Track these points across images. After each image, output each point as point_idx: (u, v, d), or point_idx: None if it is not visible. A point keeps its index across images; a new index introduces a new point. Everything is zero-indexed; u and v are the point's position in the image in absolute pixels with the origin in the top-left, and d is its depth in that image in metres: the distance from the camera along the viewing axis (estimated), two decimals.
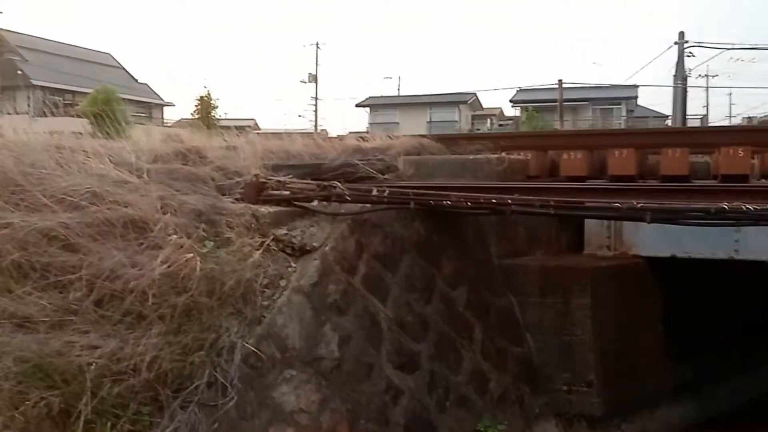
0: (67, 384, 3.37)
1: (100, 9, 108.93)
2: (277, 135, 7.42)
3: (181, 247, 4.35)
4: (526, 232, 6.72)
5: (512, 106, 51.89)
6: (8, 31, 39.29)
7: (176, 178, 5.29)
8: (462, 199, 4.98)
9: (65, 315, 3.78)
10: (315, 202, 5.46)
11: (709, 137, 7.85)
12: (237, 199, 5.34)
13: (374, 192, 5.26)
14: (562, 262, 6.52)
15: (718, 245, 6.11)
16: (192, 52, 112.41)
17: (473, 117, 53.57)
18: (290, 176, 5.75)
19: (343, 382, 4.80)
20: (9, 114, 39.49)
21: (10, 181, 4.48)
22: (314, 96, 56.16)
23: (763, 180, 6.47)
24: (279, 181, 5.54)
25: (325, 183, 5.49)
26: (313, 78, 56.28)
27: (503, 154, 6.87)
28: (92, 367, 3.48)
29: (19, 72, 41.74)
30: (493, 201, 4.88)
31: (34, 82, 43.52)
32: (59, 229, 4.15)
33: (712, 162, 6.78)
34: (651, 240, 6.43)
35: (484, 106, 54.54)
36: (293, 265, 4.96)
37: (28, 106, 43.54)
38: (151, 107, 53.07)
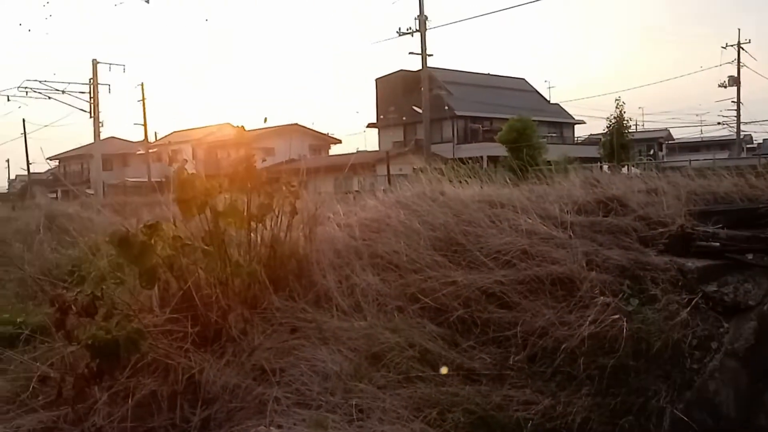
0: None
1: (514, 37, 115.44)
2: (700, 172, 7.00)
3: (608, 306, 4.42)
4: None
5: None
6: (437, 69, 44.10)
7: (598, 231, 5.38)
8: None
9: (503, 369, 4.15)
10: (750, 255, 5.04)
11: None
12: (660, 252, 5.21)
13: None
14: None
15: None
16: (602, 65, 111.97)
17: None
18: (719, 224, 5.40)
19: None
20: (437, 143, 44.34)
21: (453, 240, 5.09)
22: (735, 100, 51.32)
23: None
24: (706, 232, 5.25)
25: (762, 234, 5.03)
26: (734, 81, 51.45)
27: None
28: (529, 423, 3.76)
29: (446, 107, 46.54)
30: None
31: (458, 113, 48.13)
32: (495, 286, 4.58)
33: None
34: None
35: None
36: (725, 325, 4.65)
37: (453, 134, 48.32)
38: (562, 126, 54.43)
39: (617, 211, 5.80)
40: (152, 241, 4.27)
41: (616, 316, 4.29)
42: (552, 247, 4.98)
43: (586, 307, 4.40)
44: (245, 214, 4.87)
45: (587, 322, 4.23)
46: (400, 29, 37.51)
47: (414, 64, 42.04)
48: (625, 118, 37.54)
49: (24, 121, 59.02)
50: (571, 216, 5.61)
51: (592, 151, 43.27)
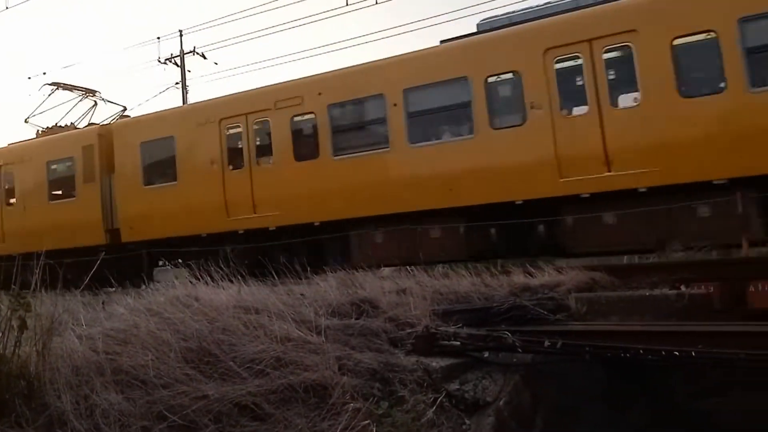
0: None
1: None
2: (444, 274, 7.55)
3: (358, 411, 4.48)
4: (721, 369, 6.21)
5: None
6: None
7: (351, 334, 5.51)
8: (641, 351, 4.76)
9: None
10: (486, 353, 5.46)
11: None
12: (408, 352, 5.46)
13: (546, 343, 5.17)
14: (763, 404, 5.93)
15: None
16: None
17: None
18: (459, 324, 5.81)
19: None
20: None
21: (205, 350, 4.89)
22: None
23: None
24: (448, 331, 5.61)
25: (495, 332, 5.48)
26: None
27: (682, 287, 6.50)
28: None
29: None
30: (675, 353, 4.63)
31: None
32: (248, 398, 4.44)
33: None
34: None
35: None
36: (467, 422, 4.94)
37: None
38: None
39: (369, 313, 6.01)
40: None
41: (366, 422, 4.36)
42: (306, 353, 4.99)
43: (338, 413, 4.42)
44: None
45: (338, 430, 4.24)
46: None
47: None
48: None
49: None
50: (325, 319, 5.70)
51: None
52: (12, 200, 18.22)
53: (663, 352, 4.68)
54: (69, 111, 20.66)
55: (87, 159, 16.45)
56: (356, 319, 5.85)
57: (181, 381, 4.55)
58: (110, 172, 16.15)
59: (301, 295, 6.57)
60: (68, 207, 16.72)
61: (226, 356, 4.83)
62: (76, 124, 18.93)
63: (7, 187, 18.26)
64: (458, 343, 5.49)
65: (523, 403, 5.17)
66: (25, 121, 19.56)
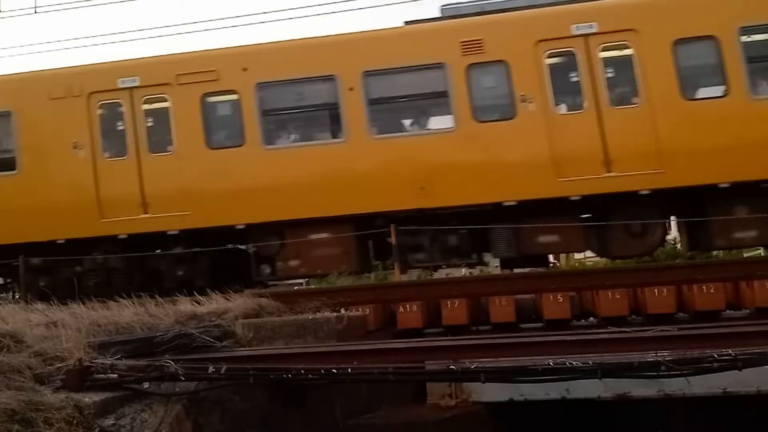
0: None
1: None
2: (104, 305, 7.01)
3: None
4: (369, 387, 6.70)
5: None
6: None
7: None
8: (302, 371, 4.90)
9: None
10: (146, 384, 5.15)
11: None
12: (58, 389, 4.92)
13: (210, 369, 5.06)
14: (406, 416, 6.54)
15: (551, 387, 6.41)
16: None
17: None
18: (119, 355, 5.41)
19: None
20: None
21: None
22: None
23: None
24: (104, 364, 5.19)
25: (157, 362, 5.21)
26: None
27: (342, 310, 6.92)
28: None
29: None
30: (333, 371, 4.85)
31: None
32: None
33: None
34: (489, 386, 6.61)
35: None
36: None
37: None
38: None
39: (11, 348, 5.32)
40: None
41: None
42: None
43: None
44: None
45: None
46: None
47: None
48: None
49: None
50: None
51: None
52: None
53: (322, 371, 4.87)
54: None
55: None
56: None
57: None
58: None
59: None
60: None
61: None
62: None
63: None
64: (116, 375, 5.10)
65: None
66: None
